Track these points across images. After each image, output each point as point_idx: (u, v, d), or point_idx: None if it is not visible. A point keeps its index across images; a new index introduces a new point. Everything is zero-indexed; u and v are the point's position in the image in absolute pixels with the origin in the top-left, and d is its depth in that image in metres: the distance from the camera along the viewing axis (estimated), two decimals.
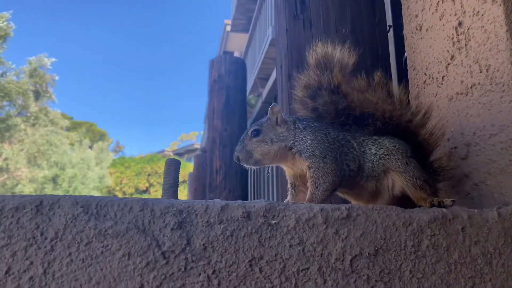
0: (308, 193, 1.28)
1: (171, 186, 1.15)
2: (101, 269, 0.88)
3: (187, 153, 36.34)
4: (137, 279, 0.89)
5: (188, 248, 0.93)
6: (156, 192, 28.29)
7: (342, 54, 1.40)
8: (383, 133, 1.37)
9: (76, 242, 0.89)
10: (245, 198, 6.01)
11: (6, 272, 0.85)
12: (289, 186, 1.42)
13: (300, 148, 1.34)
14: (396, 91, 1.40)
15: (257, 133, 1.39)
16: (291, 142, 1.36)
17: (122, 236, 0.91)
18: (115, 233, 0.91)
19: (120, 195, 27.67)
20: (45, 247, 0.88)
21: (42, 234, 0.89)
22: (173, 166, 1.18)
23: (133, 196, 1.06)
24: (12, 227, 0.88)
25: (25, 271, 0.86)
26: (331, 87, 1.38)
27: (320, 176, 1.28)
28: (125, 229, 0.91)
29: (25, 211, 0.89)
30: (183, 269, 0.91)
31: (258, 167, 1.42)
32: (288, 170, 1.43)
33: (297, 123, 1.40)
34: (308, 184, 1.30)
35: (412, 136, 1.37)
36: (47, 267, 0.87)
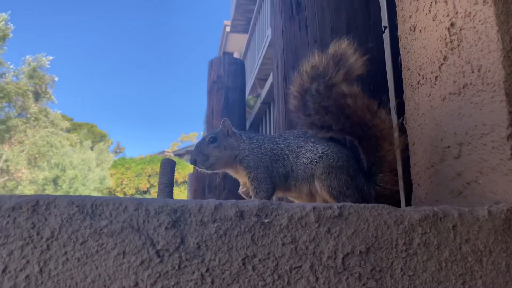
0: (252, 197, 1.50)
1: (166, 186, 1.17)
2: (97, 268, 0.90)
3: (188, 153, 36.34)
4: (132, 277, 0.90)
5: (182, 246, 0.94)
6: (157, 193, 28.28)
7: (355, 60, 1.50)
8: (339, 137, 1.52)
9: (72, 241, 0.91)
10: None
11: (3, 271, 0.87)
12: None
13: (241, 157, 1.56)
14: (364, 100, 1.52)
15: (214, 140, 1.59)
16: (237, 151, 1.57)
17: (117, 235, 0.92)
18: (110, 232, 0.92)
19: (121, 196, 27.65)
20: (41, 246, 0.90)
21: (38, 233, 0.90)
22: (168, 167, 1.20)
23: (134, 197, 1.09)
24: (8, 226, 0.90)
25: (21, 270, 0.88)
26: (331, 81, 1.47)
27: (256, 184, 1.50)
28: (120, 228, 0.93)
29: (21, 210, 0.91)
30: (177, 267, 0.92)
31: (209, 171, 1.63)
32: (235, 176, 1.66)
33: (242, 135, 1.62)
34: (249, 190, 1.55)
35: (373, 147, 1.51)
36: (43, 265, 0.88)
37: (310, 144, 1.52)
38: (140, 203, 0.96)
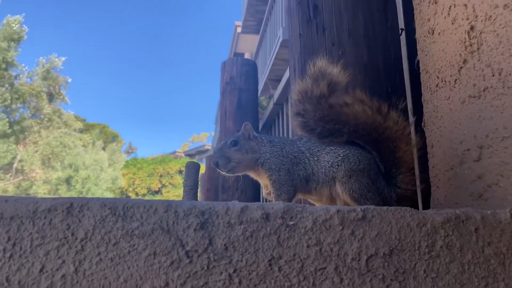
0: (273, 200, 1.52)
1: (191, 188, 1.20)
2: (129, 268, 0.93)
3: (198, 154, 36.51)
4: (163, 277, 0.93)
5: (210, 247, 0.97)
6: (168, 193, 28.50)
7: (335, 71, 1.55)
8: (355, 142, 1.56)
9: (105, 242, 0.94)
10: (257, 199, 6.06)
11: (40, 270, 0.91)
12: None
13: (262, 160, 1.59)
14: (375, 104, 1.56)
15: (235, 143, 1.62)
16: (258, 154, 1.60)
17: (148, 237, 0.95)
18: (141, 234, 0.95)
19: (133, 196, 27.95)
20: (76, 246, 0.93)
21: (73, 234, 0.94)
22: (193, 169, 1.23)
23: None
24: (45, 227, 0.93)
25: (57, 269, 0.91)
26: (315, 95, 1.53)
27: (277, 187, 1.53)
28: (151, 229, 0.96)
29: (56, 212, 0.95)
30: (206, 268, 0.95)
31: (231, 174, 1.65)
32: (256, 178, 1.69)
33: (262, 138, 1.66)
34: (270, 192, 1.58)
35: (390, 149, 1.54)
36: (78, 265, 0.92)
37: (330, 147, 1.54)
38: (170, 205, 0.99)
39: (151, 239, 0.95)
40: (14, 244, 0.91)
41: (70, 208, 0.95)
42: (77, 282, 0.91)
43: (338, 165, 1.49)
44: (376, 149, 1.61)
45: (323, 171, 1.51)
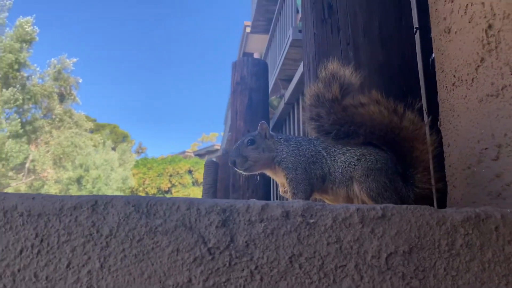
0: (290, 198, 1.52)
1: (211, 186, 1.22)
2: (152, 264, 0.95)
3: (208, 154, 36.61)
4: (186, 274, 0.95)
5: (232, 245, 0.98)
6: (178, 193, 28.62)
7: (346, 73, 1.55)
8: (372, 143, 1.56)
9: (129, 239, 0.96)
10: (267, 198, 6.06)
11: (67, 266, 0.93)
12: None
13: (279, 159, 1.60)
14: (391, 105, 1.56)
15: (252, 142, 1.63)
16: (275, 153, 1.61)
17: (171, 233, 0.97)
18: (165, 231, 0.97)
19: (143, 195, 28.07)
20: (101, 243, 0.95)
21: (98, 231, 0.96)
22: (212, 168, 1.24)
23: (186, 197, 1.15)
24: (71, 224, 0.95)
25: (83, 265, 0.93)
26: (328, 99, 1.53)
27: (294, 185, 1.53)
28: (174, 226, 0.98)
29: (82, 210, 0.97)
30: (227, 265, 0.97)
31: (247, 173, 1.67)
32: (273, 177, 1.70)
33: (279, 137, 1.67)
34: (287, 191, 1.58)
35: (407, 149, 1.54)
36: (103, 261, 0.94)
37: (347, 147, 1.54)
38: (192, 202, 1.00)
39: (174, 236, 0.97)
40: (41, 241, 0.93)
41: (95, 206, 0.97)
42: (102, 278, 0.93)
43: (355, 165, 1.49)
44: (392, 150, 1.61)
45: (340, 171, 1.51)
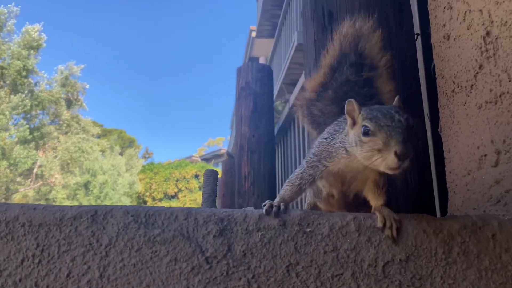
0: (382, 199, 1.22)
1: (210, 195, 1.23)
2: (151, 273, 0.96)
3: (214, 158, 36.68)
4: (184, 283, 0.96)
5: (229, 254, 0.99)
6: (184, 198, 28.67)
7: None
8: None
9: (128, 248, 0.97)
10: None
11: (67, 276, 0.94)
12: (325, 195, 1.36)
13: None
14: None
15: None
16: None
17: (169, 243, 0.98)
18: (163, 240, 0.98)
19: (150, 200, 28.19)
20: (100, 252, 0.97)
21: (97, 241, 0.97)
22: (211, 177, 1.25)
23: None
24: (71, 234, 0.97)
25: (83, 275, 0.95)
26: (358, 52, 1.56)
27: (386, 179, 1.25)
28: (172, 236, 0.99)
29: (82, 220, 0.99)
30: (225, 274, 0.98)
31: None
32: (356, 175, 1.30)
33: None
34: (379, 190, 1.24)
35: None
36: (103, 271, 0.95)
37: None
38: (189, 212, 1.02)
39: (172, 245, 0.98)
40: (42, 250, 0.95)
41: (94, 216, 0.99)
42: (102, 287, 0.94)
43: None
44: None
45: None
